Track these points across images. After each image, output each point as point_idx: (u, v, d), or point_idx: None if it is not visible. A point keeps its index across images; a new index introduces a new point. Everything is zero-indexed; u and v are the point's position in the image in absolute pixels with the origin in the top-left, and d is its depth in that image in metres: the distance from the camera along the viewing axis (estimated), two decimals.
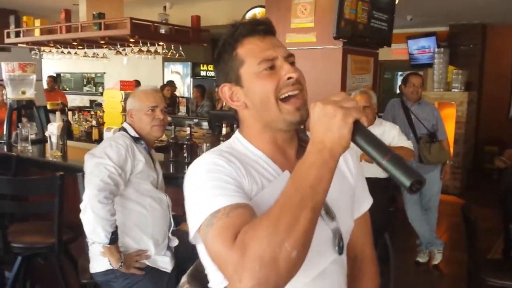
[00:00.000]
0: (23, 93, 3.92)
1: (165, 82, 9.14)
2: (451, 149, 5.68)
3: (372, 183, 3.56)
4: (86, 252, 2.26)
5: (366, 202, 1.21)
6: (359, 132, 0.86)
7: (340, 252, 1.05)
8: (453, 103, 7.00)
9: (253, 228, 0.83)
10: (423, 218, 4.16)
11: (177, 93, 8.96)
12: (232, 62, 1.08)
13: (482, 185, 7.21)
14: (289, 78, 1.03)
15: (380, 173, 3.48)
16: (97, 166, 2.05)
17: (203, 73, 10.23)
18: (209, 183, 0.96)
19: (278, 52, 1.06)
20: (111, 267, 2.07)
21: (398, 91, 6.66)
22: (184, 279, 1.23)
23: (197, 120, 6.78)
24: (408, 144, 3.46)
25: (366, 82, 3.97)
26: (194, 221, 0.95)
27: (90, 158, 2.11)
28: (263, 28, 1.08)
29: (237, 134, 1.14)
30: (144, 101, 2.26)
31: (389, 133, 3.50)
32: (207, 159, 1.03)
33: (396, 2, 4.27)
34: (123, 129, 2.27)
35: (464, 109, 6.96)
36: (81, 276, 2.34)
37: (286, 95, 1.03)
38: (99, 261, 2.13)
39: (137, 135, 2.24)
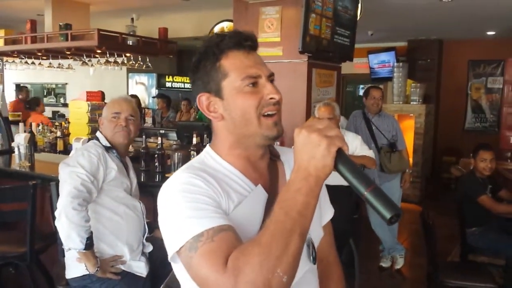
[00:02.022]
0: None
1: (129, 94, 9.10)
2: (410, 159, 5.93)
3: (336, 190, 3.71)
4: (61, 259, 2.29)
5: (329, 212, 1.26)
6: (341, 161, 0.89)
7: (314, 261, 1.09)
8: (412, 115, 7.29)
9: (245, 254, 0.85)
10: (385, 224, 4.32)
11: (142, 104, 8.94)
12: (214, 72, 1.08)
13: (440, 194, 7.51)
14: (271, 98, 1.06)
15: (344, 181, 3.64)
16: (70, 175, 2.11)
17: (168, 84, 10.24)
18: (188, 204, 0.96)
19: (262, 71, 1.08)
20: (87, 272, 2.12)
21: (360, 103, 6.89)
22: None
23: (163, 131, 6.81)
24: (370, 153, 3.63)
25: (329, 95, 4.15)
26: (173, 243, 0.95)
27: (64, 167, 2.17)
28: (249, 44, 1.09)
29: (208, 149, 1.14)
30: (109, 108, 2.35)
31: (352, 143, 3.66)
32: (182, 178, 1.02)
33: (358, 18, 4.49)
34: (96, 138, 2.33)
35: (422, 121, 7.27)
36: (56, 283, 2.36)
37: (266, 113, 1.06)
38: (75, 267, 2.17)
39: (108, 144, 2.30)
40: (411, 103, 7.41)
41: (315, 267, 1.14)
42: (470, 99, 8.55)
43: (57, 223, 2.04)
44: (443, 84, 8.66)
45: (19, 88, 8.48)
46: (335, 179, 3.38)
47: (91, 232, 2.08)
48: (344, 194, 3.58)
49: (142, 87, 10.32)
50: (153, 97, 9.09)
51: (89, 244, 2.06)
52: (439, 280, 3.03)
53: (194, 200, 0.96)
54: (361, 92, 9.02)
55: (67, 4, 6.29)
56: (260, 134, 1.07)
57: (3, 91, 6.55)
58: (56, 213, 2.04)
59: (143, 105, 9.04)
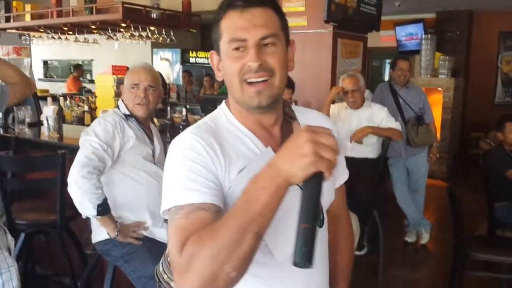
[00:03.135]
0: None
1: None
2: (438, 134, 5.82)
3: (361, 163, 3.71)
4: (89, 225, 2.34)
5: (343, 175, 1.28)
6: (309, 183, 0.84)
7: (321, 225, 1.09)
8: (440, 89, 7.14)
9: (200, 243, 0.85)
10: (411, 199, 4.29)
11: (166, 80, 8.98)
12: (216, 32, 1.07)
13: (468, 170, 7.38)
14: (249, 64, 1.01)
15: (369, 154, 3.61)
16: (84, 143, 2.17)
17: (192, 60, 10.23)
18: (183, 172, 0.99)
19: (251, 34, 1.01)
20: (109, 237, 2.17)
21: (387, 79, 6.77)
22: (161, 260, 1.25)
23: (188, 107, 6.84)
24: (396, 125, 3.58)
25: (355, 66, 4.08)
26: (164, 200, 1.00)
27: (82, 135, 2.23)
28: (241, 3, 1.03)
29: (223, 105, 1.14)
30: (128, 78, 2.35)
31: (378, 115, 3.61)
32: (188, 141, 1.03)
33: None
34: (117, 106, 2.35)
35: (451, 95, 7.10)
36: (85, 248, 2.43)
37: (249, 81, 1.03)
38: (99, 232, 2.23)
39: (128, 112, 2.31)
40: (439, 76, 7.24)
41: (323, 231, 1.14)
42: (501, 72, 8.27)
43: (69, 191, 2.10)
44: (473, 57, 8.39)
45: (76, 66, 8.62)
46: (361, 152, 3.38)
47: (104, 199, 2.12)
48: (369, 167, 3.57)
49: (167, 63, 10.33)
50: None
51: (102, 211, 2.10)
52: (465, 254, 3.00)
53: (190, 169, 0.98)
54: (388, 68, 8.83)
55: None
56: (243, 102, 1.06)
57: (30, 66, 6.64)
58: (68, 181, 2.09)
59: (167, 81, 9.09)
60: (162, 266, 1.21)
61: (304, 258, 0.80)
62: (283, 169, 0.84)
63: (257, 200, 0.84)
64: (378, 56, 9.65)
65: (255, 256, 0.87)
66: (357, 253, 3.63)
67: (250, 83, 1.03)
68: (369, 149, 3.60)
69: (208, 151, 1.01)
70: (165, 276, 1.14)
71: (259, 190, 0.85)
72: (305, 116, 1.19)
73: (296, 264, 0.80)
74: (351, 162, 3.72)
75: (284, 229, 0.99)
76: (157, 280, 1.21)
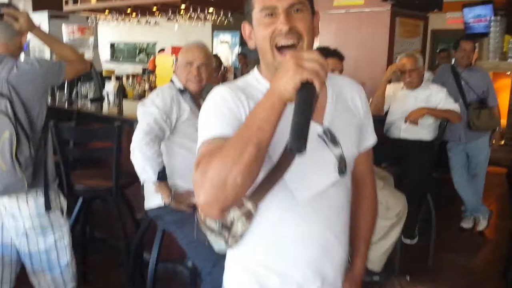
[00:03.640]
0: (82, 54, 4.16)
1: (213, 53, 9.33)
2: (504, 120, 5.53)
3: (415, 145, 3.61)
4: (142, 193, 2.46)
5: (370, 139, 1.33)
6: (300, 93, 0.92)
7: (341, 173, 1.18)
8: (508, 73, 6.74)
9: (211, 156, 0.98)
10: (469, 184, 4.13)
11: (224, 62, 9.14)
12: (248, 4, 1.17)
13: None
14: (280, 29, 1.10)
15: (424, 136, 3.51)
16: (145, 113, 2.26)
17: None
18: (210, 113, 1.13)
19: (280, 1, 1.10)
20: (163, 204, 2.27)
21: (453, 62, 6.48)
22: None
23: None
24: (455, 107, 3.45)
25: (414, 46, 3.95)
26: (198, 140, 1.12)
27: (140, 107, 2.33)
28: None
29: (255, 69, 1.25)
30: (183, 56, 2.42)
31: (436, 96, 3.49)
32: (219, 91, 1.16)
33: None
34: (171, 80, 2.44)
35: None
36: (137, 214, 2.56)
37: (279, 45, 1.12)
38: (152, 199, 2.34)
39: (182, 87, 2.39)
40: (508, 60, 6.82)
41: (345, 180, 1.22)
42: None
43: (131, 157, 2.20)
44: None
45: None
46: (416, 133, 3.31)
47: (164, 166, 2.21)
48: (423, 149, 3.47)
49: (226, 45, 10.48)
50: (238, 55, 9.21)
51: (162, 176, 2.20)
52: None
53: (218, 111, 1.12)
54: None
55: None
56: (273, 66, 1.14)
57: (96, 46, 6.97)
58: (131, 148, 2.20)
59: (225, 64, 9.25)
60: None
61: (295, 141, 0.90)
62: (275, 86, 0.95)
63: (257, 117, 0.96)
64: (444, 39, 9.24)
65: (260, 169, 0.98)
66: (408, 241, 3.56)
67: (280, 49, 1.12)
68: (424, 131, 3.49)
69: (235, 100, 1.13)
70: (202, 215, 1.22)
71: (258, 110, 0.97)
72: (333, 81, 1.26)
73: (290, 149, 0.91)
74: (404, 143, 3.67)
75: (304, 172, 1.12)
76: (196, 221, 1.29)
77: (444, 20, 8.03)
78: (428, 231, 3.57)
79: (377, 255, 2.75)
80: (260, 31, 1.14)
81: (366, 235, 1.40)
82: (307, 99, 0.93)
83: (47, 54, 7.16)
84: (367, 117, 1.30)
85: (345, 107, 1.24)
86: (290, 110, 0.95)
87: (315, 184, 1.16)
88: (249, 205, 1.12)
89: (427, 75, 4.74)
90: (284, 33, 1.10)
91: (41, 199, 2.17)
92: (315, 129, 1.12)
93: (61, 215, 2.28)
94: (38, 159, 2.13)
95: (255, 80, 1.21)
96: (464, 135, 4.02)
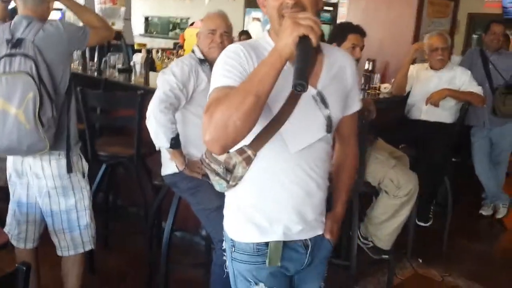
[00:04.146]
0: (113, 24, 4.27)
1: (243, 29, 9.30)
2: None
3: (435, 127, 3.59)
4: (159, 160, 2.56)
5: (355, 105, 1.48)
6: (299, 46, 1.06)
7: (328, 131, 1.35)
8: None
9: (218, 102, 1.14)
10: (491, 171, 4.08)
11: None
12: None
13: None
14: (287, 2, 1.23)
15: (445, 118, 3.48)
16: (163, 82, 2.33)
17: None
18: (222, 65, 1.28)
19: None
20: (178, 171, 2.35)
21: None
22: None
23: None
24: (478, 89, 3.41)
25: (443, 27, 3.88)
26: (210, 87, 1.29)
27: (160, 75, 2.40)
28: None
29: (265, 32, 1.39)
30: (206, 24, 2.45)
31: (460, 77, 3.45)
32: (232, 47, 1.32)
33: None
34: (192, 51, 2.49)
35: None
36: (153, 179, 2.67)
37: (286, 15, 1.22)
38: (168, 165, 2.42)
39: (202, 57, 2.44)
40: None
41: (328, 137, 1.39)
42: None
43: (147, 123, 2.28)
44: None
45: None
46: (437, 115, 3.28)
47: (177, 134, 2.28)
48: (443, 132, 3.45)
49: (258, 23, 10.42)
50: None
51: (175, 144, 2.27)
52: None
53: (227, 63, 1.27)
54: None
55: None
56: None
57: (129, 19, 7.06)
58: (146, 114, 2.28)
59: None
60: (205, 154, 1.44)
61: (298, 80, 1.04)
62: (277, 45, 1.10)
63: (259, 71, 1.12)
64: (480, 24, 8.93)
65: (258, 118, 1.14)
66: (421, 224, 3.56)
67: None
68: (445, 113, 3.46)
69: (246, 55, 1.27)
70: (206, 160, 1.40)
71: (261, 65, 1.13)
72: (329, 50, 1.41)
73: (295, 88, 1.05)
74: (424, 125, 3.66)
75: (298, 127, 1.29)
76: (201, 163, 1.49)
77: (482, 4, 7.74)
78: (444, 215, 3.57)
79: (386, 233, 2.78)
80: (271, 1, 1.27)
81: (346, 185, 1.61)
82: (306, 49, 1.07)
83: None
84: (354, 86, 1.46)
85: (337, 75, 1.39)
86: (287, 74, 1.11)
87: (306, 138, 1.33)
88: (249, 151, 1.29)
89: (457, 59, 4.66)
90: (289, 6, 1.23)
91: (63, 161, 2.27)
92: (309, 91, 1.22)
93: (82, 177, 2.38)
94: (61, 122, 2.22)
95: (265, 41, 1.35)
96: (489, 121, 3.96)
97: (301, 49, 1.07)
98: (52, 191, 2.30)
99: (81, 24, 2.47)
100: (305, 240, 1.42)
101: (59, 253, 2.40)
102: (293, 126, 1.27)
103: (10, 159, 2.35)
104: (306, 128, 1.32)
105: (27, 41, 2.11)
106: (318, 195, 1.41)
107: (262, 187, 1.36)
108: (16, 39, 2.11)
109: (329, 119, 1.34)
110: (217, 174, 1.36)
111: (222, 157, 1.34)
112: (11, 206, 2.40)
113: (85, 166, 2.41)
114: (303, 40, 1.06)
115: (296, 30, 1.06)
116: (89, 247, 2.44)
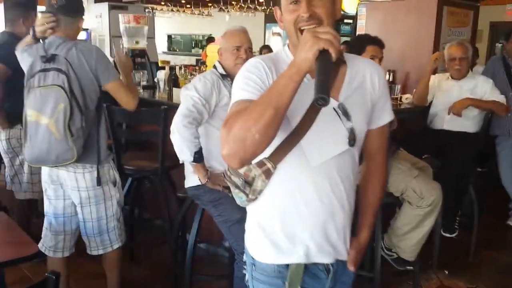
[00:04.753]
0: (137, 42, 4.38)
1: (264, 44, 9.43)
2: None
3: (459, 136, 3.56)
4: (183, 173, 2.61)
5: (384, 117, 1.43)
6: (319, 59, 1.07)
7: (351, 144, 1.31)
8: None
9: (237, 115, 1.13)
10: None
11: None
12: None
13: None
14: (302, 15, 1.23)
15: (468, 128, 3.45)
16: (186, 97, 2.40)
17: None
18: (242, 80, 1.28)
19: None
20: (200, 183, 2.41)
21: None
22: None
23: None
24: (501, 98, 3.38)
25: (463, 36, 3.87)
26: (231, 100, 1.29)
27: (183, 91, 2.47)
28: None
29: (285, 46, 1.39)
30: (229, 41, 2.51)
31: (482, 87, 3.43)
32: (252, 61, 1.32)
33: None
34: (214, 66, 2.55)
35: None
36: (178, 191, 2.73)
37: (302, 28, 1.24)
38: (191, 178, 2.48)
39: (224, 72, 2.50)
40: None
41: (352, 152, 1.35)
42: None
43: (171, 137, 2.35)
44: None
45: (209, 38, 9.37)
46: (460, 125, 3.25)
47: (200, 148, 2.34)
48: (467, 141, 3.42)
49: (278, 37, 10.56)
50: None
51: (198, 158, 2.33)
52: None
53: (247, 77, 1.28)
54: None
55: None
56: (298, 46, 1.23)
57: (153, 37, 7.23)
58: (170, 129, 2.35)
59: None
60: (228, 167, 1.42)
61: (320, 94, 1.04)
62: (296, 59, 1.10)
63: (278, 84, 1.12)
64: (503, 32, 8.84)
65: (277, 131, 1.12)
66: (447, 235, 3.52)
67: (303, 30, 1.24)
68: (468, 123, 3.43)
69: (265, 69, 1.28)
70: (228, 173, 1.38)
71: (280, 78, 1.12)
72: (353, 62, 1.38)
73: (316, 102, 1.05)
74: (447, 134, 3.64)
75: (319, 139, 1.26)
76: (223, 177, 1.47)
77: (504, 12, 7.68)
78: (470, 226, 3.52)
79: (410, 244, 2.76)
80: (287, 16, 1.28)
81: (373, 207, 1.53)
82: (326, 63, 1.08)
83: (106, 47, 7.54)
84: (383, 97, 1.41)
85: (362, 86, 1.35)
86: (307, 86, 1.13)
87: (327, 151, 1.29)
88: (269, 164, 1.27)
89: (480, 68, 4.62)
90: (305, 19, 1.23)
91: (95, 173, 2.40)
92: (331, 103, 1.19)
93: (113, 186, 2.51)
94: (91, 135, 2.34)
95: (284, 55, 1.36)
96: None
97: (321, 63, 1.08)
98: (85, 201, 2.44)
99: (111, 60, 2.59)
100: (327, 264, 1.37)
101: (88, 251, 2.56)
102: (314, 139, 1.25)
103: (45, 173, 2.49)
104: (328, 141, 1.29)
105: (60, 57, 2.25)
106: (342, 215, 1.35)
107: (282, 202, 1.33)
108: (50, 55, 2.26)
109: (351, 132, 1.30)
110: (237, 186, 1.34)
111: (242, 170, 1.31)
112: (47, 219, 2.54)
113: (117, 176, 2.55)
114: (323, 54, 1.07)
115: (316, 44, 1.07)
116: (116, 245, 2.58)
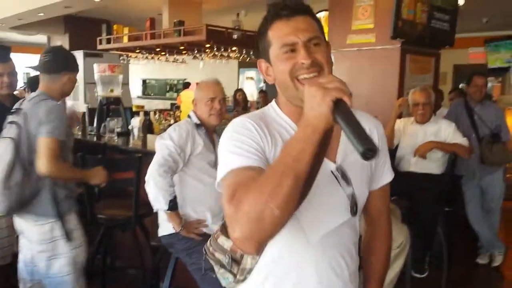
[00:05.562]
0: (112, 91, 4.45)
1: (238, 87, 9.68)
2: None
3: (424, 178, 3.65)
4: (157, 221, 2.63)
5: (386, 176, 1.30)
6: (338, 111, 0.94)
7: (354, 214, 1.17)
8: None
9: (246, 190, 0.96)
10: (484, 219, 4.13)
11: (249, 98, 9.44)
12: (265, 42, 1.18)
13: None
14: (302, 62, 1.11)
15: (434, 169, 3.58)
16: (161, 146, 2.45)
17: None
18: (233, 143, 1.12)
19: (299, 37, 1.12)
20: (174, 231, 2.43)
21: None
22: (217, 227, 1.39)
23: None
24: (463, 140, 3.52)
25: (426, 81, 4.06)
26: (219, 173, 1.11)
27: (158, 139, 2.53)
28: (286, 13, 1.14)
29: (272, 102, 1.26)
30: (204, 92, 2.60)
31: (445, 130, 3.58)
32: (239, 121, 1.17)
33: (460, 3, 4.31)
34: (188, 116, 2.63)
35: None
36: (151, 240, 2.73)
37: (302, 77, 1.12)
38: (165, 226, 2.50)
39: (198, 122, 2.58)
40: None
41: (354, 222, 1.22)
42: None
43: (146, 187, 2.38)
44: None
45: (185, 84, 9.58)
46: (425, 167, 3.36)
47: (175, 196, 2.38)
48: (433, 183, 3.53)
49: (251, 81, 10.80)
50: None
51: (173, 206, 2.37)
52: None
53: (238, 140, 1.12)
54: None
55: (182, 3, 6.90)
56: (298, 97, 1.12)
57: (127, 83, 7.33)
58: (146, 178, 2.38)
59: (250, 99, 9.54)
60: (210, 241, 1.33)
61: (364, 144, 0.90)
62: (308, 116, 0.96)
63: (292, 148, 0.96)
64: (466, 74, 9.26)
65: (298, 202, 0.97)
66: (417, 275, 3.58)
67: (303, 79, 1.13)
68: (433, 165, 3.56)
69: (257, 129, 1.14)
70: (210, 248, 1.24)
71: (294, 141, 0.97)
72: None
73: (364, 155, 0.89)
74: (413, 176, 3.72)
75: (317, 210, 1.12)
76: (204, 253, 1.30)
77: (467, 55, 8.09)
78: (440, 265, 3.59)
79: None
80: (280, 66, 1.14)
81: (378, 272, 1.38)
82: (347, 111, 0.95)
83: (80, 94, 7.59)
84: (383, 153, 1.29)
85: None
86: None
87: (326, 222, 1.16)
88: None
89: (445, 110, 4.83)
90: (306, 67, 1.11)
91: (47, 227, 2.35)
92: (327, 166, 1.12)
93: (65, 242, 2.40)
94: (41, 188, 2.32)
95: (274, 113, 1.22)
96: (478, 170, 4.06)
97: (342, 112, 0.94)
98: (37, 254, 2.39)
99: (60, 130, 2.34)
100: None
101: None
102: (311, 208, 1.09)
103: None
104: (327, 211, 1.15)
105: (23, 111, 2.33)
106: None
107: (274, 283, 1.17)
108: (16, 108, 2.38)
109: (353, 198, 1.17)
110: (222, 266, 1.19)
111: (228, 245, 1.17)
112: (19, 265, 2.52)
113: (78, 230, 2.48)
114: (338, 105, 0.94)
115: (327, 95, 0.93)
116: None
